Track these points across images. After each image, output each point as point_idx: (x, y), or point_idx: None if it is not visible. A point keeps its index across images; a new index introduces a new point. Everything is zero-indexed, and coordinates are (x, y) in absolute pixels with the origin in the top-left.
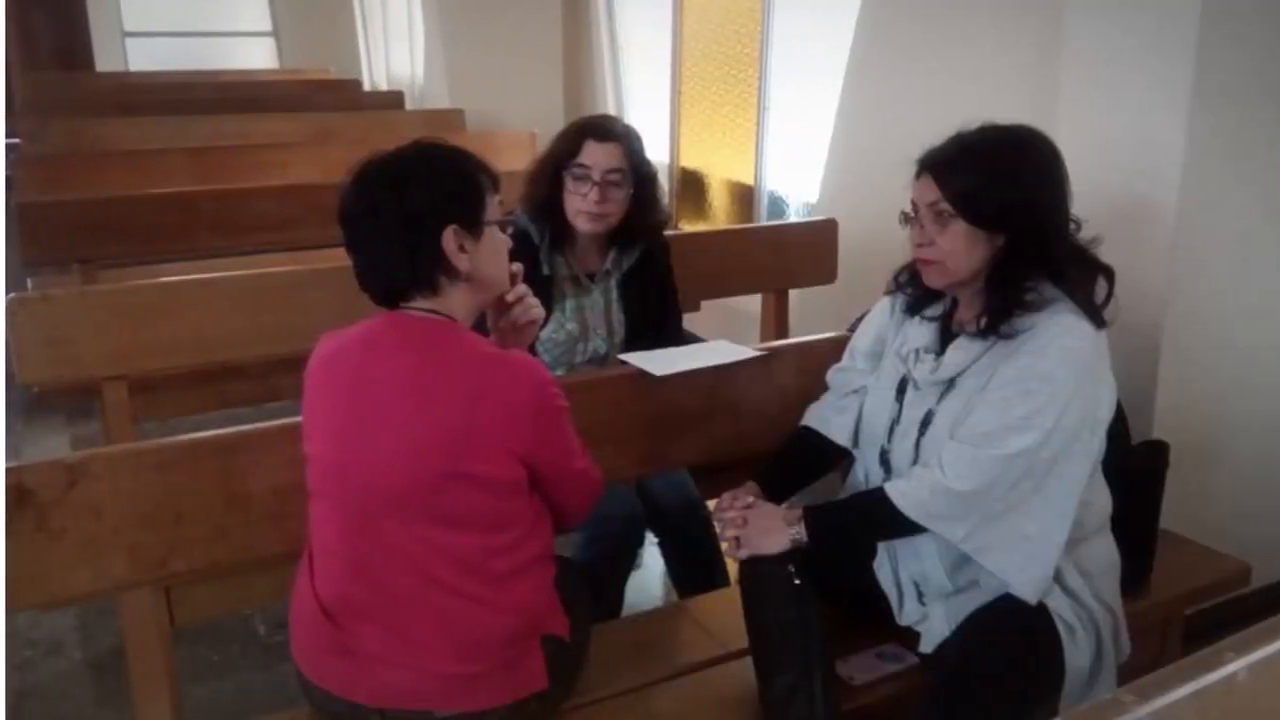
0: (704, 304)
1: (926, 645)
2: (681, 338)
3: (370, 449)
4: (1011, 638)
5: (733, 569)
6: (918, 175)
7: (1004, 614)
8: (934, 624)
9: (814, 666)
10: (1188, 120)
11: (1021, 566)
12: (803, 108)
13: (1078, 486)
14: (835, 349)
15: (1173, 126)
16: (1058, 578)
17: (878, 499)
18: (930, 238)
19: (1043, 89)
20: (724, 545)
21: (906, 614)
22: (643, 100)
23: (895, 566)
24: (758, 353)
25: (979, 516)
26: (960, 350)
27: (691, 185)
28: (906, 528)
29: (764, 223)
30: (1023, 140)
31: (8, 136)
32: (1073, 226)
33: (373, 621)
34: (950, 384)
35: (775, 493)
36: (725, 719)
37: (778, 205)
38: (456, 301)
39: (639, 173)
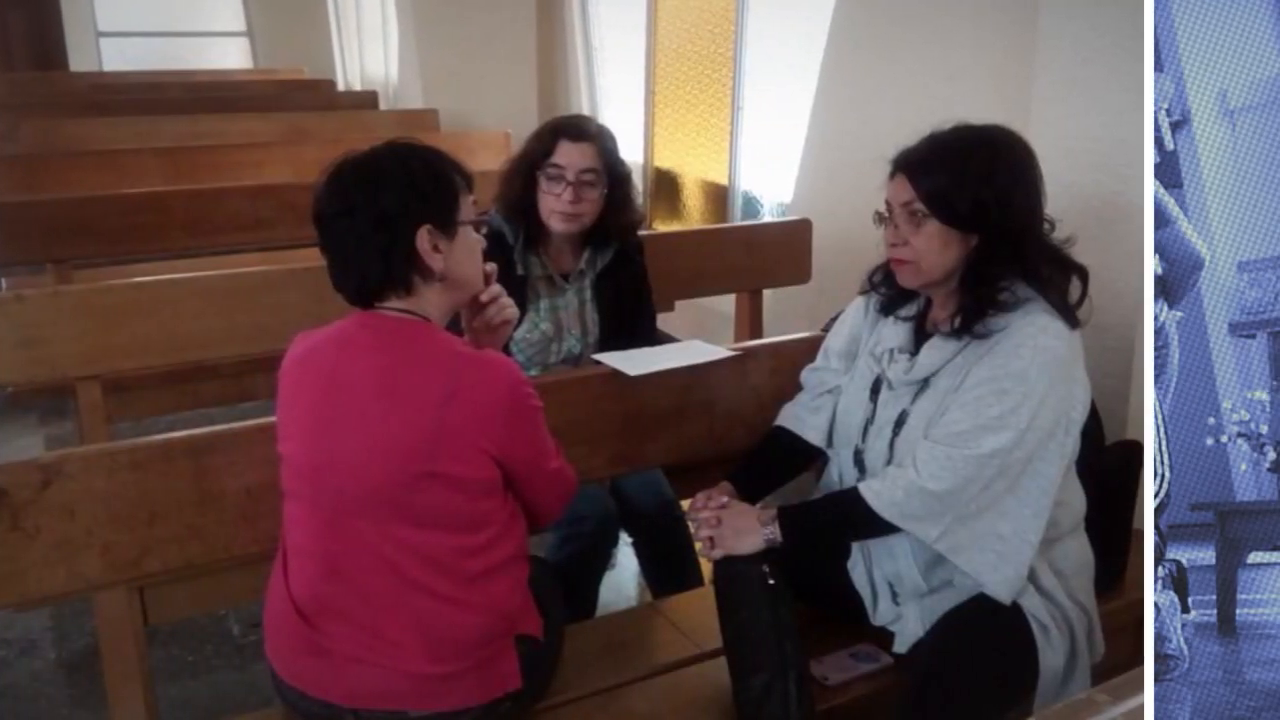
0: (678, 304)
1: (901, 645)
2: (655, 338)
3: (344, 449)
4: (985, 638)
5: (707, 569)
6: (891, 175)
7: (978, 614)
8: (908, 624)
9: (788, 667)
10: None
11: (995, 566)
12: (777, 108)
13: (1052, 486)
14: (809, 349)
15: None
16: (1032, 577)
17: (852, 499)
18: (904, 238)
19: (1017, 89)
20: (698, 545)
21: (881, 614)
22: (617, 100)
23: (869, 566)
24: (732, 353)
25: (953, 516)
26: (934, 350)
27: (666, 185)
28: (881, 528)
29: (738, 223)
30: (996, 140)
31: None
32: (1047, 226)
33: (347, 622)
34: (924, 384)
35: (749, 493)
36: (699, 719)
37: (752, 205)
38: (430, 301)
39: (613, 173)
